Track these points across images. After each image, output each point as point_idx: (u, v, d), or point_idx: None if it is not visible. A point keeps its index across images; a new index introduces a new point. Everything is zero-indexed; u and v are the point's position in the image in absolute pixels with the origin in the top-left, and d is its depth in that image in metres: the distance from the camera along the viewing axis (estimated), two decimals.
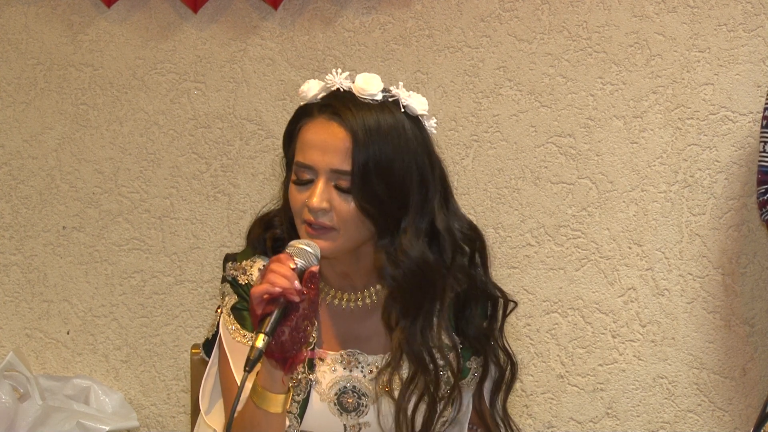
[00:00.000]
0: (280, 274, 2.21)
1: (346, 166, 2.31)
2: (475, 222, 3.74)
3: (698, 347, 3.84)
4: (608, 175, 3.86)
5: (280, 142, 4.05)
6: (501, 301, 2.48)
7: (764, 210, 3.42)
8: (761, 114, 3.64)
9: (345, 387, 2.42)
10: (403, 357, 2.39)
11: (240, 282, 2.46)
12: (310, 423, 2.42)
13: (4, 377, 3.98)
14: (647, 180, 3.84)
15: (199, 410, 2.54)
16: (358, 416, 2.43)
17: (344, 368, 2.43)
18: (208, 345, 2.51)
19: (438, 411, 2.41)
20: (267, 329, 2.18)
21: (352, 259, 2.42)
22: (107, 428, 3.98)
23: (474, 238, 2.46)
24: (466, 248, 2.45)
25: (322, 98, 2.39)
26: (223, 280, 2.50)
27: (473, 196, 3.91)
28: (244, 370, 2.17)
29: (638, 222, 3.85)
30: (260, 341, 2.17)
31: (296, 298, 2.21)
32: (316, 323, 2.42)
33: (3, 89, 4.22)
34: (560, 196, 3.89)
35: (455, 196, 2.50)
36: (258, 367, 2.27)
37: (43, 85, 4.18)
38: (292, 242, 2.31)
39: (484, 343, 2.47)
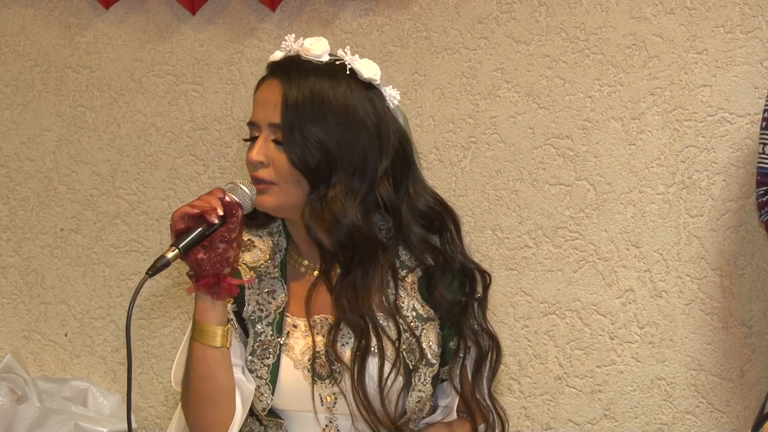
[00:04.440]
0: (204, 199, 2.29)
1: (278, 120, 2.38)
2: (473, 224, 3.75)
3: (696, 349, 3.84)
4: (606, 177, 3.86)
5: None
6: (478, 276, 2.50)
7: (763, 211, 3.43)
8: (759, 116, 3.64)
9: (318, 352, 2.44)
10: (342, 320, 2.43)
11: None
12: (285, 396, 2.43)
13: (1, 379, 3.98)
14: (645, 182, 3.84)
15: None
16: (332, 384, 2.43)
17: (317, 333, 2.45)
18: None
19: (388, 380, 2.41)
20: (179, 244, 2.25)
21: None
22: (105, 430, 3.98)
23: (441, 213, 2.49)
24: (436, 223, 2.48)
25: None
26: None
27: (471, 198, 3.92)
28: (146, 273, 2.23)
29: (636, 224, 3.85)
30: (170, 253, 2.25)
31: (214, 220, 2.27)
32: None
33: (0, 91, 4.22)
34: (558, 198, 3.89)
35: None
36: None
37: (41, 87, 4.18)
38: (231, 180, 2.40)
39: (457, 316, 2.48)
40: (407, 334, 2.45)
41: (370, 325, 2.41)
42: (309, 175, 2.38)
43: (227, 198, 2.30)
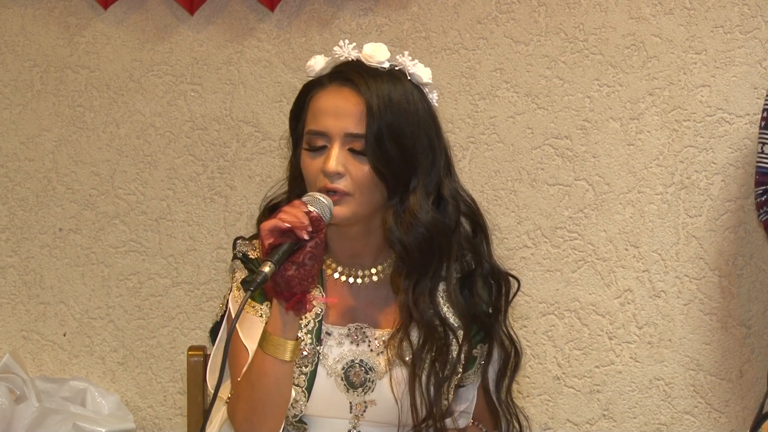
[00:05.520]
0: (292, 213, 2.27)
1: (360, 130, 2.37)
2: None
3: (695, 349, 3.84)
4: (605, 177, 3.86)
5: (276, 144, 4.06)
6: (505, 280, 2.53)
7: (762, 211, 3.43)
8: (758, 116, 3.64)
9: (352, 361, 2.44)
10: (412, 321, 2.42)
11: (251, 257, 2.50)
12: (316, 403, 2.43)
13: (0, 379, 3.98)
14: (644, 182, 3.84)
15: (202, 406, 2.55)
16: (365, 393, 2.44)
17: (351, 342, 2.45)
18: (215, 329, 2.53)
19: (441, 381, 2.43)
20: (274, 258, 2.23)
21: (363, 234, 2.45)
22: (104, 430, 3.97)
23: (476, 213, 2.52)
24: (468, 223, 2.51)
25: (332, 69, 2.46)
26: (233, 258, 2.53)
27: None
28: (248, 290, 2.22)
29: (635, 224, 3.85)
30: (266, 267, 2.22)
31: (305, 236, 2.26)
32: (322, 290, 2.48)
33: (0, 91, 4.22)
34: (557, 198, 3.89)
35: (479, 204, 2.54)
36: (257, 329, 2.36)
37: (40, 87, 4.18)
38: (309, 192, 2.37)
39: (490, 322, 2.51)
40: (453, 340, 2.47)
41: (441, 329, 2.43)
42: (392, 181, 2.39)
43: (313, 212, 2.30)
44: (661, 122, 3.82)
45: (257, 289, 2.24)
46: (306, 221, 2.26)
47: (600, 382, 3.89)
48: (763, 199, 3.42)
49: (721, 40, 3.78)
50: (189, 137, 4.10)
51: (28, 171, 4.20)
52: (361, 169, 2.37)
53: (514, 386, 3.91)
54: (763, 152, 3.41)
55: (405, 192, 2.41)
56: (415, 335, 2.43)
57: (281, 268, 2.25)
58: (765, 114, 3.41)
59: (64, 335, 4.21)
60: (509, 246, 3.92)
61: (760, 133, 3.43)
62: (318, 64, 2.48)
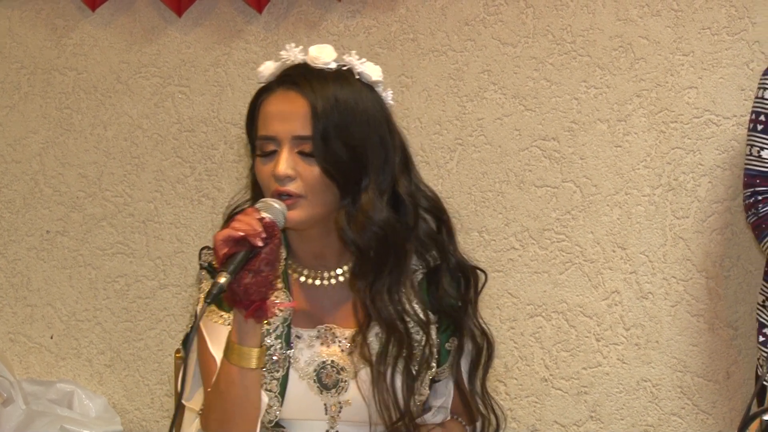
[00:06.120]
0: (245, 221, 2.27)
1: (307, 132, 2.37)
2: (459, 226, 3.73)
3: (682, 350, 3.84)
4: (592, 179, 3.86)
5: None
6: (473, 274, 2.52)
7: (750, 213, 3.43)
8: (745, 117, 3.65)
9: (324, 362, 2.44)
10: (371, 321, 2.43)
11: (216, 266, 2.48)
12: (290, 407, 2.43)
13: None
14: (631, 183, 3.84)
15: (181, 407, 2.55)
16: (339, 393, 2.44)
17: (321, 344, 2.46)
18: (187, 340, 2.53)
19: (413, 377, 2.43)
20: (229, 268, 2.23)
21: (323, 235, 2.45)
22: None
23: (439, 209, 2.52)
24: (431, 219, 2.51)
25: (280, 73, 2.46)
26: (200, 268, 2.54)
27: (457, 200, 3.92)
28: (204, 302, 2.23)
29: (622, 225, 3.85)
30: (222, 278, 2.22)
31: (259, 243, 2.25)
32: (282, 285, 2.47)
33: None
34: (544, 200, 3.89)
35: (441, 199, 2.54)
36: (221, 340, 2.36)
37: (27, 89, 4.18)
38: (262, 199, 2.37)
39: (460, 315, 2.50)
40: (422, 336, 2.47)
41: (402, 326, 2.43)
42: (342, 181, 2.39)
43: (266, 219, 2.29)
44: (648, 124, 3.83)
45: (214, 301, 2.23)
46: (259, 228, 2.26)
47: (587, 383, 3.90)
48: (751, 201, 3.42)
49: (708, 42, 3.78)
50: (176, 139, 4.10)
51: (15, 173, 4.20)
52: (311, 171, 2.37)
53: (502, 387, 3.93)
54: (751, 154, 3.42)
55: (357, 191, 2.40)
56: (376, 334, 2.44)
57: (237, 277, 2.25)
58: (753, 116, 3.42)
59: (51, 338, 4.21)
60: (497, 248, 3.92)
61: (748, 135, 3.44)
62: (267, 69, 2.48)
